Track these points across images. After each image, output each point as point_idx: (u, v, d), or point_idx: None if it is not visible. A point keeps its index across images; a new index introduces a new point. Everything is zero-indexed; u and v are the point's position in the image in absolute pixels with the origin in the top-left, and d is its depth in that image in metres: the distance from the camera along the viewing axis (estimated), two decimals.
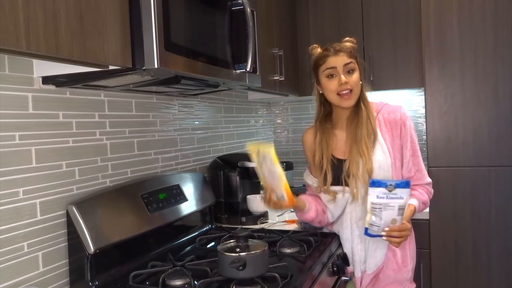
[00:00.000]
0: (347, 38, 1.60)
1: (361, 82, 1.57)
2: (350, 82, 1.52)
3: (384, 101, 1.66)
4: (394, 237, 1.44)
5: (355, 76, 1.54)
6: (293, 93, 2.53)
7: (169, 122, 1.86)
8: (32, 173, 1.20)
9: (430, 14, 2.19)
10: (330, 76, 1.54)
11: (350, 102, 1.54)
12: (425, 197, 1.60)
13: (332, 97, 1.56)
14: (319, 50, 1.61)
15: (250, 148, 1.50)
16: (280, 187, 1.43)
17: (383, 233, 1.43)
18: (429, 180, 1.62)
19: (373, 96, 1.67)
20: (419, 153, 1.60)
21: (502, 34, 2.07)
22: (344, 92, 1.52)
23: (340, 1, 2.58)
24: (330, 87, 1.54)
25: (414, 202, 1.55)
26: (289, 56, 2.44)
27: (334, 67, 1.53)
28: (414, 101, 2.73)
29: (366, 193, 1.52)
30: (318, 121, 1.67)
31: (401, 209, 1.43)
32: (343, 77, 1.51)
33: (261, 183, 1.54)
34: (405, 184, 1.43)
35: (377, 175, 1.52)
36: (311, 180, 1.69)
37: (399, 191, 1.42)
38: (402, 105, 1.61)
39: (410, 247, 1.61)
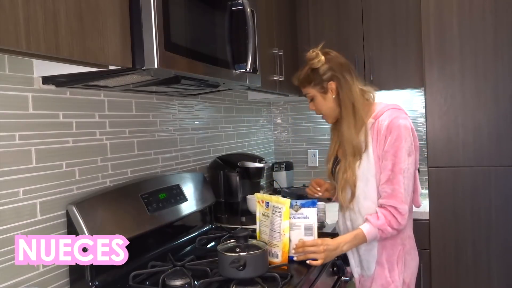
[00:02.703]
0: (308, 53, 1.53)
1: (334, 96, 1.50)
2: (316, 110, 1.58)
3: (389, 103, 1.54)
4: (307, 254, 1.38)
5: (316, 103, 1.56)
6: (293, 93, 2.53)
7: (169, 122, 1.86)
8: (32, 173, 1.20)
9: (430, 14, 2.19)
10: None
11: (328, 121, 1.60)
12: (381, 222, 1.41)
13: None
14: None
15: (258, 196, 1.52)
16: (279, 244, 1.40)
17: (292, 251, 1.41)
18: (401, 206, 1.40)
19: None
20: (401, 171, 1.40)
21: (502, 34, 2.07)
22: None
23: (340, 1, 2.58)
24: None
25: (364, 227, 1.42)
26: (289, 56, 2.44)
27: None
28: (414, 101, 2.73)
29: (349, 204, 1.52)
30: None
31: (308, 229, 1.43)
32: (310, 106, 1.59)
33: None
34: (311, 204, 1.44)
35: (359, 186, 1.48)
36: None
37: (305, 210, 1.44)
38: (400, 114, 1.47)
39: (398, 263, 1.50)
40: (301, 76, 1.55)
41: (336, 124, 1.59)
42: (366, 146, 1.47)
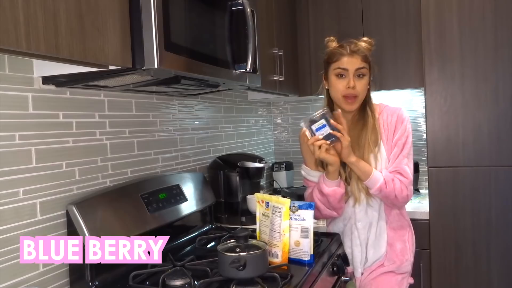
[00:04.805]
0: (365, 39, 1.58)
1: (368, 86, 1.56)
2: (358, 88, 1.51)
3: (384, 102, 1.65)
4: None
5: (364, 81, 1.53)
6: (293, 93, 2.53)
7: (169, 122, 1.86)
8: (32, 173, 1.20)
9: (430, 14, 2.19)
10: (340, 75, 1.53)
11: (353, 106, 1.54)
12: (390, 176, 1.50)
13: (336, 97, 1.55)
14: (334, 44, 1.58)
15: (258, 196, 1.51)
16: (279, 244, 1.39)
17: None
18: (405, 173, 1.51)
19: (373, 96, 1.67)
20: (407, 154, 1.54)
21: (502, 34, 2.07)
22: (349, 96, 1.51)
23: (340, 1, 2.58)
24: (337, 86, 1.53)
25: (375, 170, 1.50)
26: (289, 56, 2.44)
27: (345, 69, 1.51)
28: (414, 101, 2.73)
29: (365, 196, 1.56)
30: None
31: (305, 231, 1.41)
32: (352, 82, 1.50)
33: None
34: (308, 206, 1.42)
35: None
36: (313, 174, 1.63)
37: (302, 212, 1.42)
38: (401, 107, 1.61)
39: (409, 242, 1.64)
40: (368, 49, 1.55)
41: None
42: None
